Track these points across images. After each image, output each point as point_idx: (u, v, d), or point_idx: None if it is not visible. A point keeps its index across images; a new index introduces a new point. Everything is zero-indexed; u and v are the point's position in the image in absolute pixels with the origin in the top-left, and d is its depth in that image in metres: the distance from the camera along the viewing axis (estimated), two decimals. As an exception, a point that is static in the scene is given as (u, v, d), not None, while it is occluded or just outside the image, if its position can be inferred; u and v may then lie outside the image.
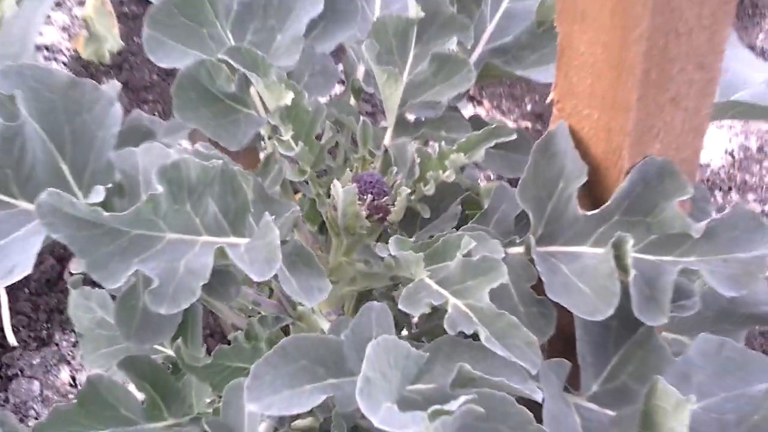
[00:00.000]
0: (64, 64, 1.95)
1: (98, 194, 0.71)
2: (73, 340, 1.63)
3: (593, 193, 0.78)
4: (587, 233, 0.77)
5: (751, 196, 2.00)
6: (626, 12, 0.66)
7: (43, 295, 1.66)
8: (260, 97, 0.81)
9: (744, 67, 0.91)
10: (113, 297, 0.84)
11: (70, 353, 1.61)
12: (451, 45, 0.83)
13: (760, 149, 2.10)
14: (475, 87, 1.17)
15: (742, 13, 2.39)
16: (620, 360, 0.80)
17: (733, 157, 2.09)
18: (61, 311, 1.64)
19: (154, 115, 2.10)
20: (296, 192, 0.93)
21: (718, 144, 2.11)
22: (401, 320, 0.91)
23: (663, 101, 0.71)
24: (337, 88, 1.41)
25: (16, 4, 1.10)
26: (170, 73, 2.05)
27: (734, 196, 2.00)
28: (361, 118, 0.85)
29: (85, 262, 0.67)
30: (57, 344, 1.62)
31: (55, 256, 1.63)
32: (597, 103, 0.73)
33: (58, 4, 1.76)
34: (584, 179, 0.76)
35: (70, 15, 1.88)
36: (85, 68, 1.99)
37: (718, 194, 2.02)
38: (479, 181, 0.93)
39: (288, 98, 0.75)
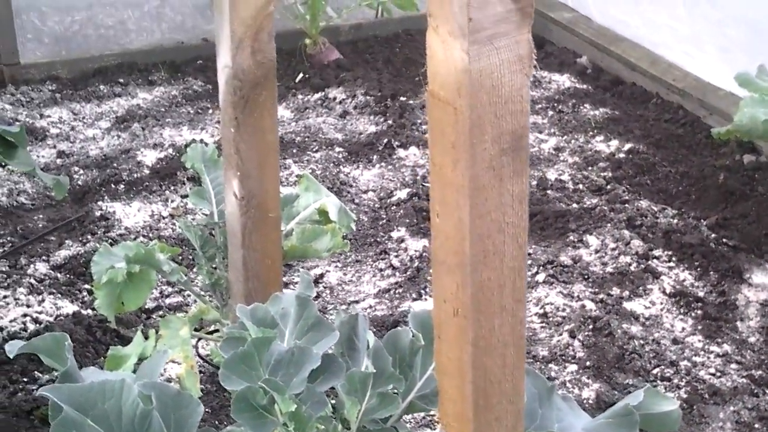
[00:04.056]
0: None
1: (185, 448, 1.34)
2: None
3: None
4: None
5: None
6: (461, 378, 1.30)
7: None
8: (280, 410, 1.44)
9: (571, 417, 1.52)
10: None
11: None
12: (390, 388, 1.46)
13: None
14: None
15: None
16: None
17: None
18: None
19: None
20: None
21: None
22: None
23: (490, 419, 1.33)
24: None
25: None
26: None
27: None
28: (339, 426, 1.48)
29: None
30: None
31: None
32: (458, 420, 1.35)
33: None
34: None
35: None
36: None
37: None
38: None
39: (292, 407, 1.39)
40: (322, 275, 3.49)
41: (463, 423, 1.31)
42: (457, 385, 1.30)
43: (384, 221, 3.72)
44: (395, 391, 1.48)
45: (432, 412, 1.52)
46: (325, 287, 3.50)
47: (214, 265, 2.12)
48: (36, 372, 2.98)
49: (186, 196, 3.83)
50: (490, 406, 1.30)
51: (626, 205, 3.69)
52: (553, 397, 1.51)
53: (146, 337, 2.11)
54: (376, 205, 3.83)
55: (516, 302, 1.26)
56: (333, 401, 1.67)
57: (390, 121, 4.39)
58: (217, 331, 2.19)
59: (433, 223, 1.26)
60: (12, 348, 1.56)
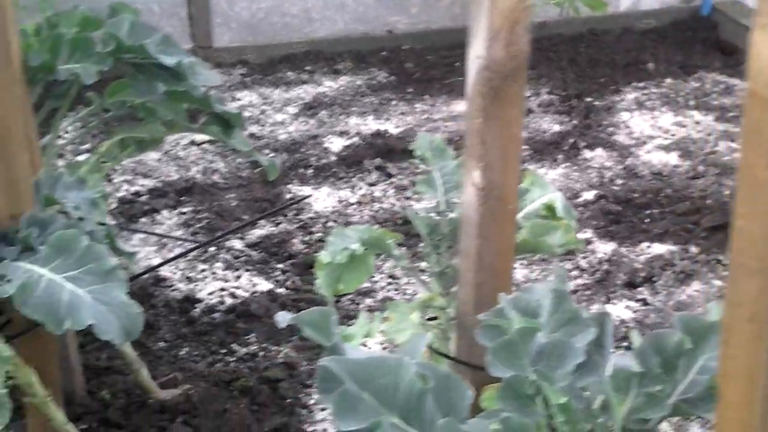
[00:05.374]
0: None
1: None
2: None
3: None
4: None
5: None
6: (749, 384, 1.28)
7: None
8: (544, 401, 1.45)
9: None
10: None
11: None
12: (655, 389, 1.45)
13: None
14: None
15: None
16: None
17: None
18: None
19: None
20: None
21: None
22: None
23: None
24: None
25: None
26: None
27: None
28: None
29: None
30: None
31: None
32: (741, 427, 1.32)
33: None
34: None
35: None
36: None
37: None
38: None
39: (562, 399, 1.39)
40: (508, 271, 3.48)
41: (747, 431, 1.28)
42: (743, 392, 1.27)
43: (571, 222, 3.68)
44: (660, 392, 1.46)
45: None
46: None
47: (439, 253, 2.14)
48: (233, 345, 3.08)
49: (373, 185, 3.89)
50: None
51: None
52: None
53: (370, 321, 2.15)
54: (563, 205, 3.79)
55: (818, 311, 1.22)
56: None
57: (575, 122, 4.34)
58: (435, 318, 2.21)
59: (736, 224, 1.24)
60: (282, 319, 1.61)
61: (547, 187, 2.23)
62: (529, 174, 2.25)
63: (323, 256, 2.20)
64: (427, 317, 2.25)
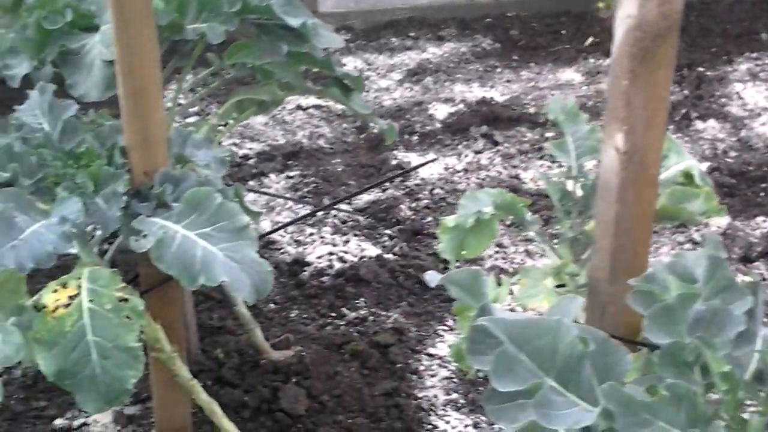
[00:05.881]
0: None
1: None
2: None
3: None
4: None
5: None
6: None
7: None
8: (701, 369, 1.41)
9: None
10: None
11: None
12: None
13: None
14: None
15: None
16: None
17: None
18: None
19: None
20: None
21: None
22: None
23: None
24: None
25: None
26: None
27: None
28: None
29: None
30: None
31: None
32: None
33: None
34: None
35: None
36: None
37: None
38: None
39: (726, 368, 1.35)
40: (620, 243, 3.41)
41: None
42: None
43: (683, 194, 3.60)
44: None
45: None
46: (623, 255, 3.42)
47: (570, 219, 2.10)
48: (343, 308, 3.08)
49: (480, 152, 3.85)
50: None
51: None
52: None
53: (499, 284, 2.13)
54: (675, 177, 3.70)
55: None
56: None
57: (686, 92, 4.24)
58: (562, 285, 2.18)
59: None
60: (432, 278, 1.59)
61: (683, 153, 2.16)
62: (666, 139, 2.18)
63: (449, 219, 2.18)
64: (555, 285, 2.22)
